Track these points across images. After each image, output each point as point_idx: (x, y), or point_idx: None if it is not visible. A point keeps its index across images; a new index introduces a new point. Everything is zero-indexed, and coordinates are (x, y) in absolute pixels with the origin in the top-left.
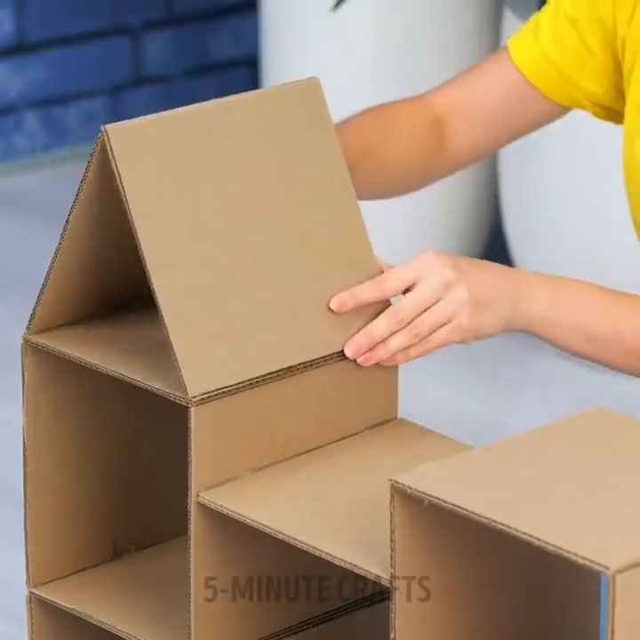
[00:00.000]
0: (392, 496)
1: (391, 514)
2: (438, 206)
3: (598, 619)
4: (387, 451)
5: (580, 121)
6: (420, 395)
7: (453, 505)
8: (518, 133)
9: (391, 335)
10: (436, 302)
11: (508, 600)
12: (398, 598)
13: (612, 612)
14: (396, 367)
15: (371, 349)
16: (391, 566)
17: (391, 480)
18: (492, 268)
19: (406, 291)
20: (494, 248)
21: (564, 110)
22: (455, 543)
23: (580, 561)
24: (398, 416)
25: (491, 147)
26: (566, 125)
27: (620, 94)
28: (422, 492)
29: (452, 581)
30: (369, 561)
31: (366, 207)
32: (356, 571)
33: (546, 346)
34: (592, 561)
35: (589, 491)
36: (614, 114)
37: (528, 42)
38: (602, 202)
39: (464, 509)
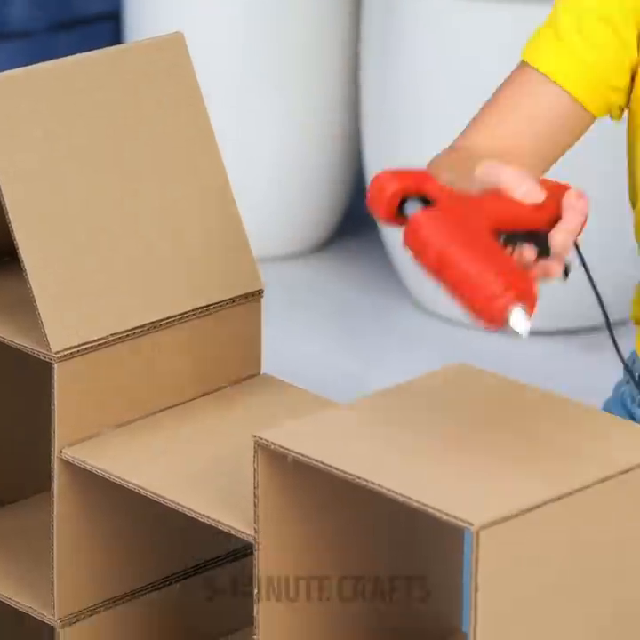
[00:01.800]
0: (255, 452)
1: (254, 470)
2: (301, 165)
3: (462, 574)
4: (250, 407)
5: (438, 78)
6: (284, 351)
7: (316, 461)
8: (566, 149)
9: None
10: None
11: (371, 555)
12: (261, 554)
13: (476, 568)
14: (259, 322)
15: None
16: (254, 522)
17: (254, 436)
18: None
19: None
20: (357, 204)
21: (593, 121)
22: (318, 499)
23: (444, 517)
24: (262, 372)
25: (544, 170)
26: (423, 82)
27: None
28: (285, 448)
29: (315, 537)
30: (232, 517)
31: (229, 160)
32: (219, 526)
33: (408, 301)
34: (456, 517)
35: (453, 446)
36: None
37: (561, 54)
38: None
39: (327, 465)
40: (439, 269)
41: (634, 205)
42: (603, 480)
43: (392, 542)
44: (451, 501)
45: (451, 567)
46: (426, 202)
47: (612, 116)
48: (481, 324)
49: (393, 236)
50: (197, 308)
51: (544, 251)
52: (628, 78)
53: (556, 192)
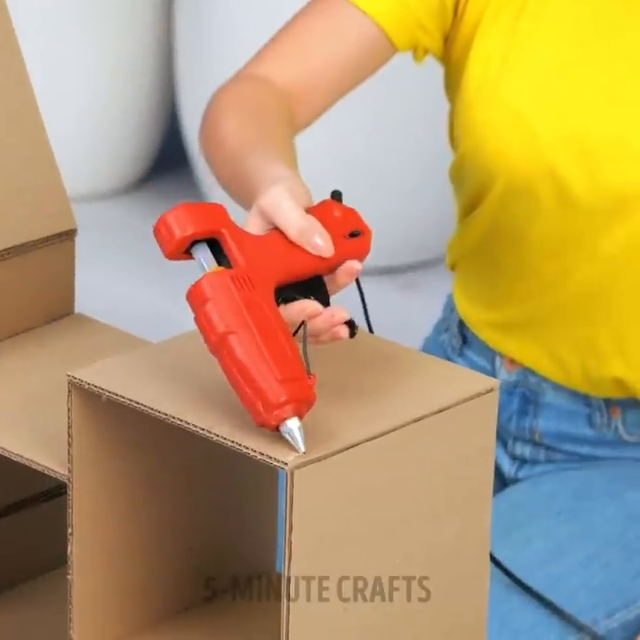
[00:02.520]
0: (69, 391)
1: (68, 409)
2: (114, 104)
3: (277, 513)
4: (63, 346)
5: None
6: (97, 292)
7: (130, 400)
8: (365, 79)
9: None
10: None
11: (187, 495)
12: (75, 494)
13: (290, 507)
14: (72, 263)
15: None
16: (68, 462)
17: (68, 375)
18: None
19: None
20: (171, 143)
21: (394, 54)
22: (133, 438)
23: (258, 457)
24: (75, 311)
25: (341, 97)
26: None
27: (444, 40)
28: (99, 388)
29: (130, 476)
30: (46, 456)
31: (40, 97)
32: (32, 466)
33: None
34: (270, 457)
35: None
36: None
37: None
38: None
39: (141, 405)
40: (220, 347)
41: (455, 148)
42: (418, 419)
43: (207, 482)
44: (265, 441)
45: (266, 507)
46: (215, 245)
47: (415, 56)
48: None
49: (208, 177)
50: (8, 248)
51: (322, 296)
52: (436, 23)
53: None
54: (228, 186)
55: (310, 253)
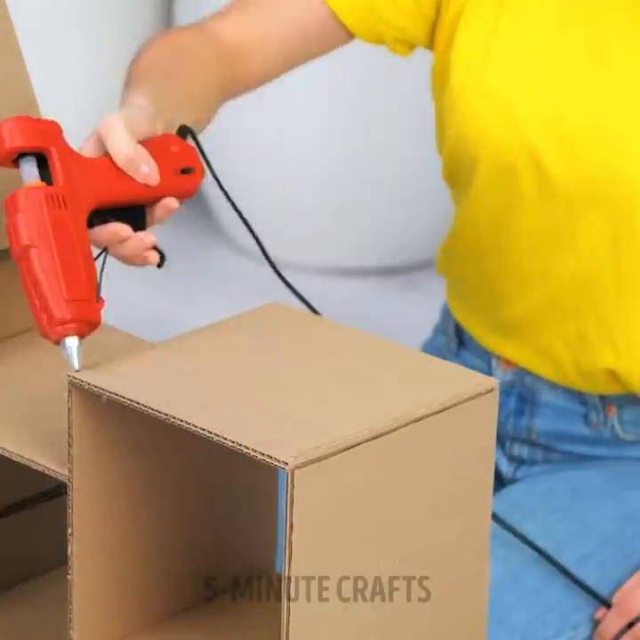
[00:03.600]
0: (70, 392)
1: (69, 410)
2: (112, 102)
3: (277, 513)
4: None
5: None
6: None
7: (131, 400)
8: (312, 58)
9: None
10: None
11: (187, 495)
12: (75, 494)
13: (291, 507)
14: None
15: None
16: (68, 462)
17: (68, 376)
18: None
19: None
20: None
21: (351, 39)
22: (134, 439)
23: (259, 457)
24: None
25: (285, 70)
26: None
27: (432, 32)
28: (100, 388)
29: (130, 476)
30: (46, 456)
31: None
32: (32, 466)
33: (221, 240)
34: (270, 457)
35: (268, 386)
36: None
37: None
38: (277, 101)
39: (142, 405)
40: (20, 259)
41: (440, 150)
42: (418, 419)
43: (207, 483)
44: (265, 441)
45: (266, 507)
46: (43, 160)
47: (391, 49)
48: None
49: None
50: (7, 248)
51: (139, 225)
52: (411, 19)
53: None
54: None
55: (134, 181)
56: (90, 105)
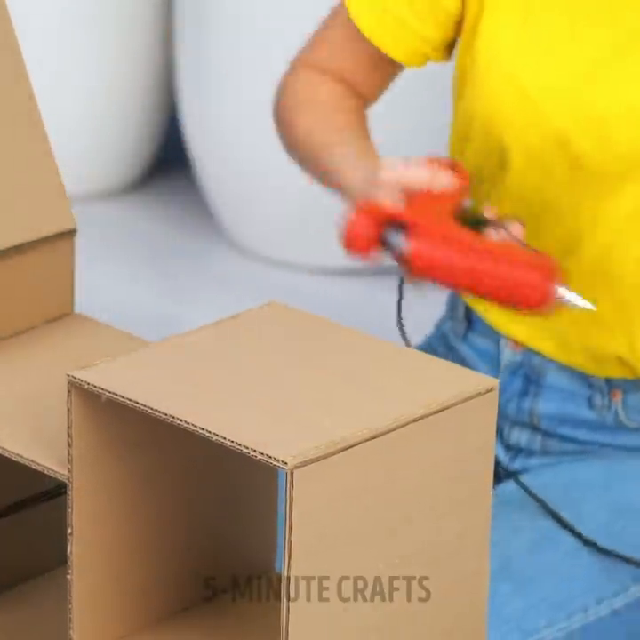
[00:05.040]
0: (69, 391)
1: (68, 409)
2: (114, 103)
3: (277, 513)
4: (63, 346)
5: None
6: (96, 289)
7: (130, 400)
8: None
9: None
10: None
11: (187, 495)
12: (75, 494)
13: (290, 507)
14: (72, 263)
15: None
16: (68, 462)
17: (68, 375)
18: None
19: None
20: (171, 143)
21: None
22: (133, 438)
23: (258, 456)
24: (74, 311)
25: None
26: (240, 17)
27: (458, 30)
28: (99, 388)
29: (130, 476)
30: (46, 456)
31: (40, 96)
32: (33, 466)
33: (223, 242)
34: (270, 456)
35: (267, 386)
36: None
37: (373, 6)
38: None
39: (141, 405)
40: (471, 285)
41: (462, 151)
42: (418, 419)
43: (207, 482)
44: (264, 440)
45: (266, 507)
46: (401, 226)
47: (434, 61)
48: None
49: (207, 176)
50: (7, 248)
51: (483, 224)
52: (442, 30)
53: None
54: (308, 169)
55: (448, 189)
56: (89, 105)
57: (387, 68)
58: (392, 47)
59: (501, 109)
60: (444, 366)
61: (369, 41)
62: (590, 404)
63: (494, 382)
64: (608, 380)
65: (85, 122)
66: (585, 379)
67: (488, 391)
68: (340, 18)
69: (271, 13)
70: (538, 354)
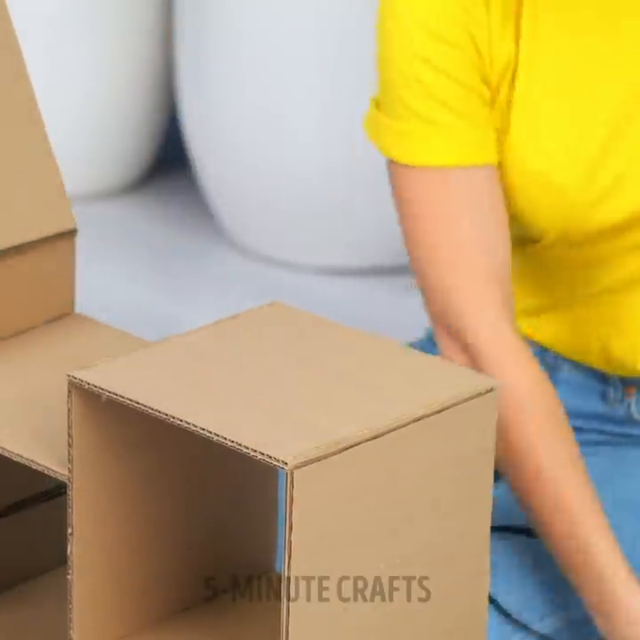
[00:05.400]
0: (69, 391)
1: (68, 409)
2: (114, 103)
3: (277, 512)
4: (63, 346)
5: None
6: (97, 289)
7: (130, 400)
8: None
9: None
10: None
11: (187, 495)
12: (75, 494)
13: (290, 507)
14: (72, 263)
15: None
16: (68, 462)
17: (68, 375)
18: None
19: None
20: (171, 143)
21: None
22: (134, 438)
23: (258, 456)
24: (75, 311)
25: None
26: (242, 23)
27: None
28: (100, 388)
29: (130, 476)
30: (46, 456)
31: (40, 95)
32: (33, 466)
33: (223, 242)
34: (270, 456)
35: (267, 386)
36: None
37: (439, 135)
38: (277, 101)
39: (141, 405)
40: None
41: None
42: (418, 419)
43: (207, 482)
44: (264, 440)
45: (266, 507)
46: None
47: None
48: None
49: (207, 176)
50: (7, 248)
51: None
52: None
53: None
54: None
55: None
56: (90, 105)
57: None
58: (476, 154)
59: (530, 203)
60: (445, 365)
61: (477, 170)
62: (603, 397)
63: (494, 382)
64: (622, 378)
65: (85, 122)
66: (600, 375)
67: (488, 391)
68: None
69: (271, 13)
70: (552, 351)
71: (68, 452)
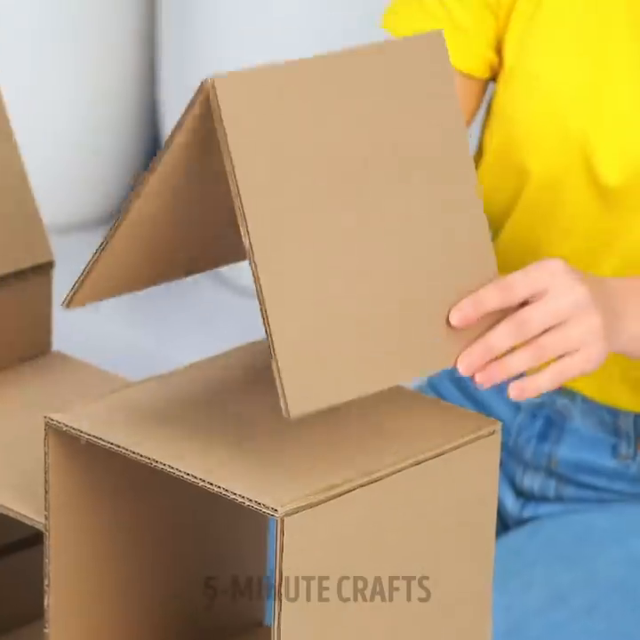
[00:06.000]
0: (46, 434)
1: (45, 453)
2: (93, 134)
3: (266, 558)
4: (40, 386)
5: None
6: (75, 325)
7: (111, 444)
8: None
9: (510, 351)
10: (566, 321)
11: (171, 541)
12: (52, 543)
13: (280, 555)
14: (50, 297)
15: (485, 366)
16: (45, 508)
17: (45, 417)
18: (613, 290)
19: (525, 303)
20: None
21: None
22: (115, 483)
23: (247, 503)
24: (53, 349)
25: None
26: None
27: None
28: (78, 430)
29: (111, 523)
30: (22, 503)
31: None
32: (9, 514)
33: (208, 273)
34: (259, 503)
35: (257, 429)
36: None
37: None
38: None
39: (123, 448)
40: None
41: (486, 150)
42: (417, 463)
43: (192, 526)
44: (253, 487)
45: (254, 551)
46: None
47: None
48: None
49: None
50: None
51: None
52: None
53: None
54: None
55: None
56: (68, 133)
57: (477, 98)
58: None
59: (525, 112)
60: (445, 408)
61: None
62: (615, 452)
63: (497, 424)
64: (636, 425)
65: (63, 150)
66: (611, 425)
67: (490, 434)
68: None
69: (256, 20)
70: (563, 393)
71: (45, 498)
